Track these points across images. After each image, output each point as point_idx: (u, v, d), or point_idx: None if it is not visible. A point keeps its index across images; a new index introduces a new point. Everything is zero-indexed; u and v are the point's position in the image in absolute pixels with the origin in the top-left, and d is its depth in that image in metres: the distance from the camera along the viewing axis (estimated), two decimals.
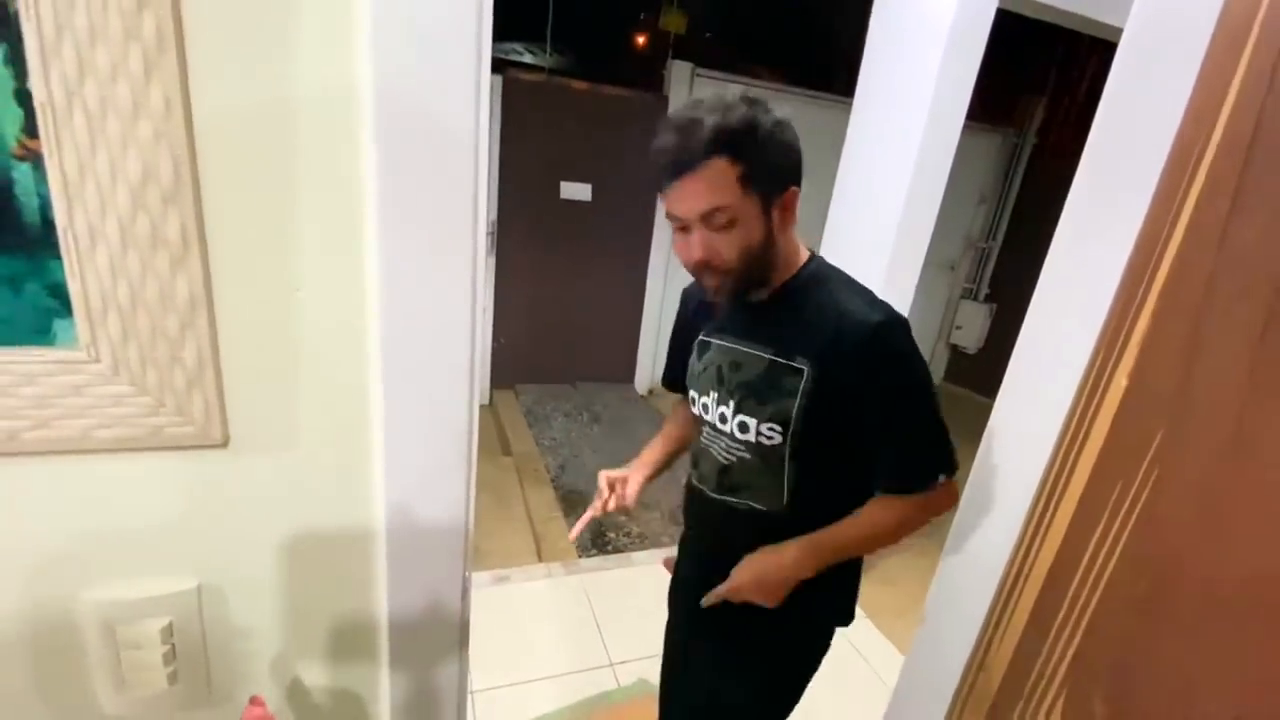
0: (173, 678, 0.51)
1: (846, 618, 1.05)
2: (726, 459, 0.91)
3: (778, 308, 0.85)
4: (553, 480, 2.80)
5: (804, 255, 0.87)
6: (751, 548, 0.92)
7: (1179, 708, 0.55)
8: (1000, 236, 4.63)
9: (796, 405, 0.82)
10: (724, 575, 0.96)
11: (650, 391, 4.01)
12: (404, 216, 0.44)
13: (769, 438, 0.85)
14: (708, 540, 1.05)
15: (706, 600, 0.91)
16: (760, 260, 0.79)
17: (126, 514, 0.46)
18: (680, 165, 0.72)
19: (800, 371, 0.81)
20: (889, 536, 0.88)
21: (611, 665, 1.87)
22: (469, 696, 1.69)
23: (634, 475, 1.04)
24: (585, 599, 2.13)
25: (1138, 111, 0.69)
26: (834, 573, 0.92)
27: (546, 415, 3.40)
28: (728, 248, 0.76)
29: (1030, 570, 0.78)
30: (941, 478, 0.84)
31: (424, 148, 0.43)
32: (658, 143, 0.74)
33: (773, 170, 0.75)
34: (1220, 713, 0.52)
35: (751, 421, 0.86)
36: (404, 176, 0.43)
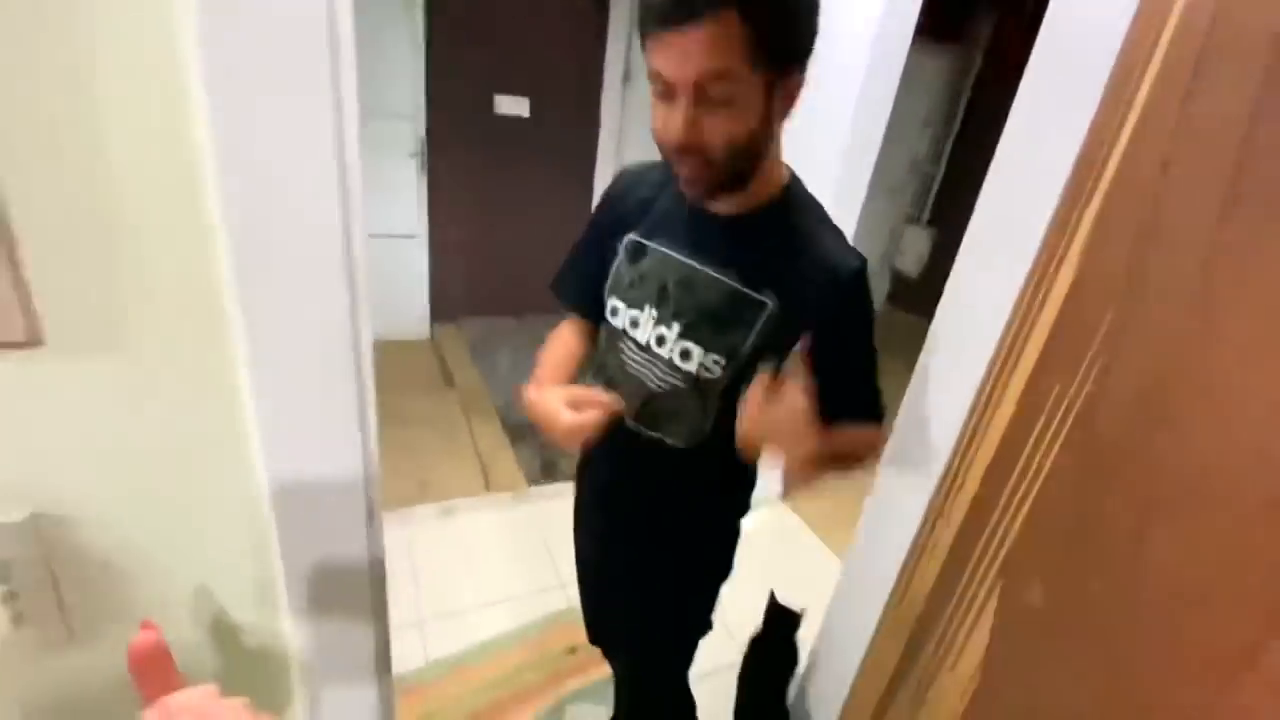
0: (17, 620, 0.44)
1: (745, 509, 1.03)
2: (657, 386, 0.81)
3: (748, 229, 0.74)
4: (499, 412, 2.74)
5: (785, 173, 0.76)
6: (656, 487, 0.90)
7: (1124, 596, 0.55)
8: (944, 160, 4.64)
9: (749, 340, 0.74)
10: (627, 512, 0.96)
11: None
12: (235, 45, 0.35)
13: (709, 370, 0.77)
14: (606, 475, 0.98)
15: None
16: (747, 155, 0.66)
17: None
18: (681, 7, 0.56)
19: (763, 305, 0.73)
20: (858, 459, 0.87)
21: (563, 585, 1.88)
22: (419, 628, 1.68)
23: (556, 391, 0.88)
24: (535, 526, 2.12)
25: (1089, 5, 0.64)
26: (742, 470, 0.93)
27: (493, 349, 3.30)
28: (720, 131, 0.62)
29: (967, 473, 0.78)
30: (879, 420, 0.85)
31: None
32: None
33: (790, 46, 0.62)
34: (1166, 601, 0.52)
35: (697, 351, 0.76)
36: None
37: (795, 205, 0.76)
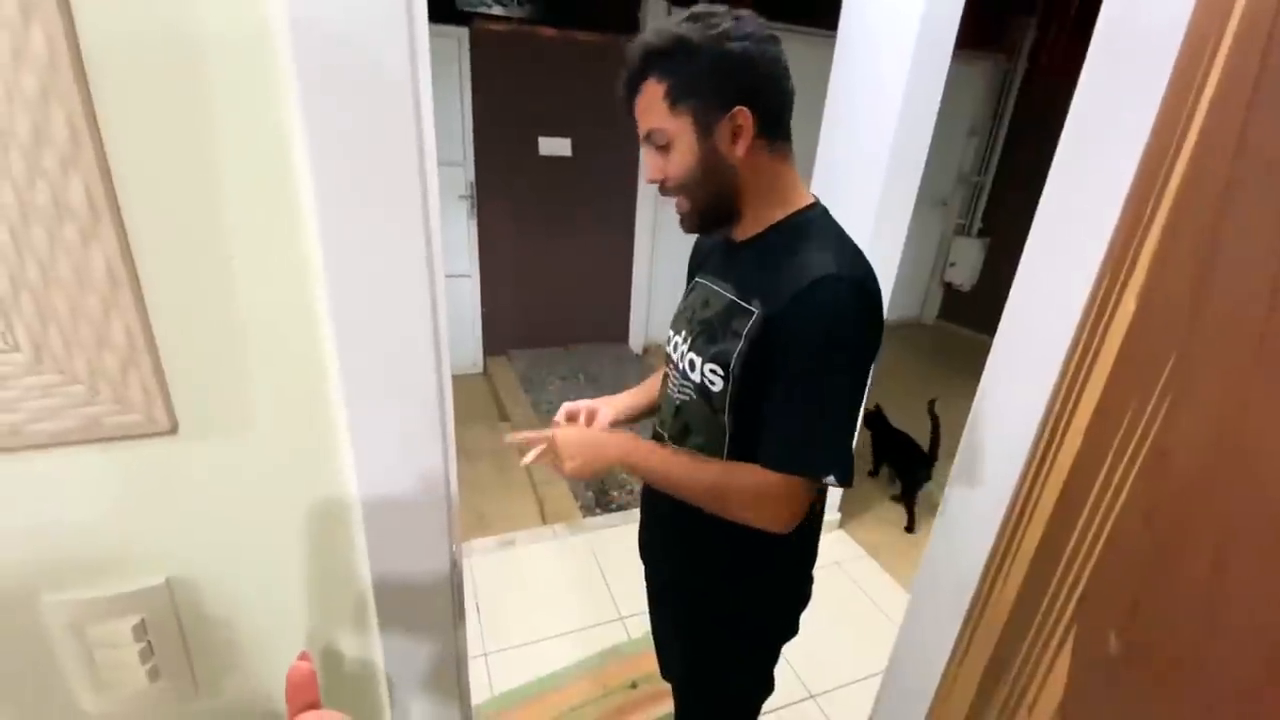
0: (153, 674, 0.49)
1: (789, 630, 0.99)
2: (678, 398, 0.89)
3: (753, 249, 0.81)
4: None
5: (803, 200, 0.80)
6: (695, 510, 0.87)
7: (1198, 645, 0.53)
8: (992, 169, 4.53)
9: (738, 349, 0.76)
10: (669, 532, 0.96)
11: (645, 350, 3.97)
12: (338, 168, 0.39)
13: (712, 381, 0.81)
14: (651, 491, 0.99)
15: (511, 438, 0.86)
16: (712, 184, 0.76)
17: (78, 512, 0.43)
18: (626, 90, 0.76)
19: (750, 314, 0.76)
20: (715, 498, 0.79)
21: (621, 619, 1.89)
22: (484, 660, 1.72)
23: (603, 410, 1.03)
24: (592, 557, 2.15)
25: (1142, 12, 0.63)
26: (779, 579, 0.92)
27: (542, 380, 3.38)
28: (671, 168, 0.77)
29: (1035, 505, 0.77)
30: (796, 474, 0.73)
31: (352, 86, 0.38)
32: None
33: (708, 87, 0.71)
34: (1240, 650, 0.50)
35: (697, 360, 0.82)
36: (333, 121, 0.38)
37: (799, 227, 0.79)
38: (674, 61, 0.71)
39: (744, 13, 0.73)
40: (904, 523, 2.40)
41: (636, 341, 3.95)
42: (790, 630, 0.99)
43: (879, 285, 0.74)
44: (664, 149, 0.76)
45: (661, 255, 3.78)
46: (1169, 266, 0.60)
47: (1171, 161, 0.59)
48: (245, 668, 0.53)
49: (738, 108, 0.71)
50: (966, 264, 4.60)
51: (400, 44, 0.39)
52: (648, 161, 0.79)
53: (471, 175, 3.14)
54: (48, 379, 0.39)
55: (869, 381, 0.80)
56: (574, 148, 3.33)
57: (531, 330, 3.68)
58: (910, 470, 2.40)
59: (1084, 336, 0.71)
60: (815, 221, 0.79)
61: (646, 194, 3.56)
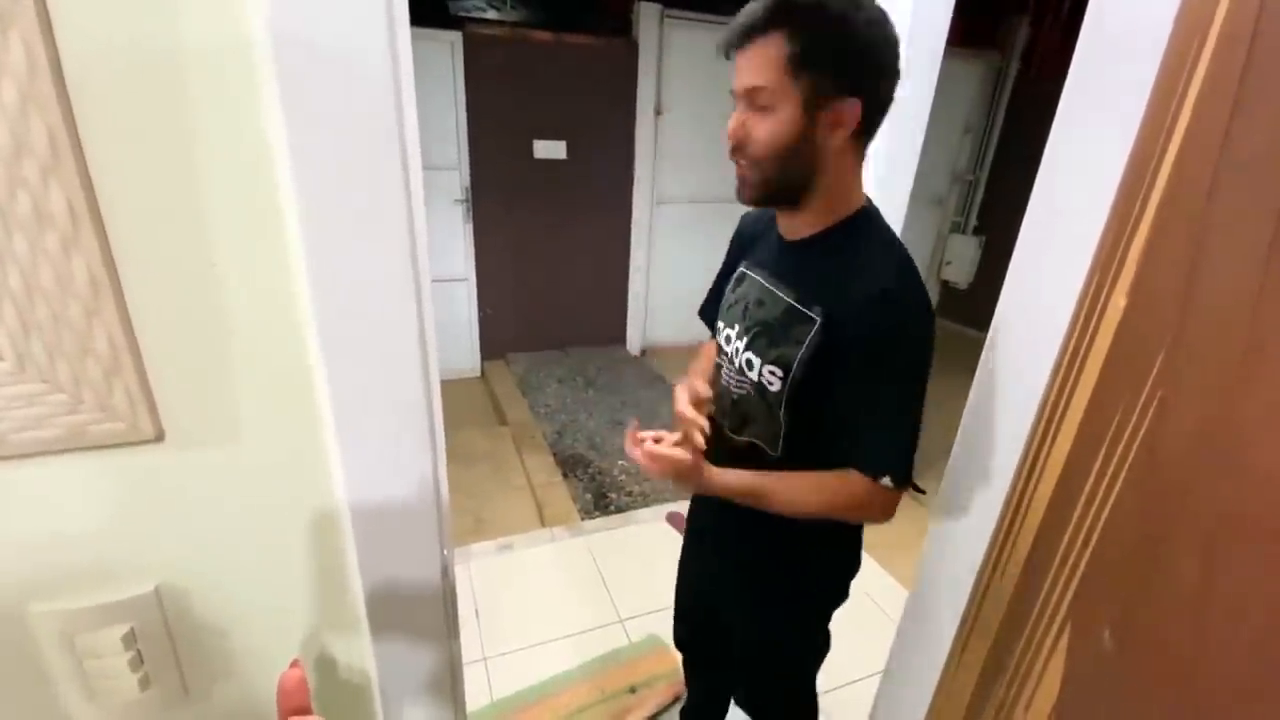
0: (144, 683, 0.49)
1: (840, 595, 1.09)
2: (736, 393, 0.90)
3: (812, 251, 0.80)
4: (550, 446, 2.80)
5: (859, 201, 0.79)
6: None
7: (1192, 641, 0.53)
8: (987, 167, 4.54)
9: (799, 355, 0.78)
10: (744, 519, 0.94)
11: (643, 352, 3.98)
12: (321, 174, 0.39)
13: (770, 382, 0.82)
14: None
15: (636, 449, 0.82)
16: (791, 165, 0.72)
17: (64, 522, 0.43)
18: (740, 35, 0.70)
19: (813, 321, 0.77)
20: (829, 507, 0.83)
21: (621, 622, 1.89)
22: (483, 664, 1.72)
23: (701, 386, 0.92)
24: (591, 560, 2.15)
25: (1127, 10, 0.64)
26: (841, 553, 1.02)
27: (540, 383, 3.38)
28: (759, 132, 0.71)
29: (1030, 504, 0.77)
30: (886, 480, 0.77)
31: (334, 94, 0.38)
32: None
33: (833, 64, 0.68)
34: (1234, 646, 0.50)
35: (756, 361, 0.83)
36: (315, 129, 0.38)
37: (860, 229, 0.78)
38: (813, 26, 0.66)
39: None
40: (898, 516, 2.41)
41: (634, 343, 3.95)
42: (844, 595, 1.08)
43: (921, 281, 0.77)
44: (761, 110, 0.71)
45: (658, 257, 3.78)
46: (1158, 263, 0.60)
47: (1159, 158, 0.59)
48: (236, 676, 0.53)
49: (853, 98, 0.69)
50: (962, 262, 4.61)
51: (381, 51, 0.39)
52: (735, 117, 0.74)
53: (467, 179, 3.14)
54: (31, 388, 0.38)
55: None
56: (569, 150, 3.33)
57: (529, 333, 3.68)
58: None
59: (1075, 334, 0.71)
60: (873, 222, 0.79)
61: (642, 195, 3.57)
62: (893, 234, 0.79)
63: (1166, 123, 0.59)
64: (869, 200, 0.81)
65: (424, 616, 0.58)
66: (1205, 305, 0.54)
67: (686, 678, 1.41)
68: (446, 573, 0.57)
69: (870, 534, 2.66)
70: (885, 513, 0.83)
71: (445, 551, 0.56)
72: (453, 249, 3.24)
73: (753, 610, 1.06)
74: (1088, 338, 0.69)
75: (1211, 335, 0.53)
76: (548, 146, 3.29)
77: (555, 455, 2.73)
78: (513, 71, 3.08)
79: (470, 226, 3.23)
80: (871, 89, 0.70)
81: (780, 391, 0.81)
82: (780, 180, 0.75)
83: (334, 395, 0.45)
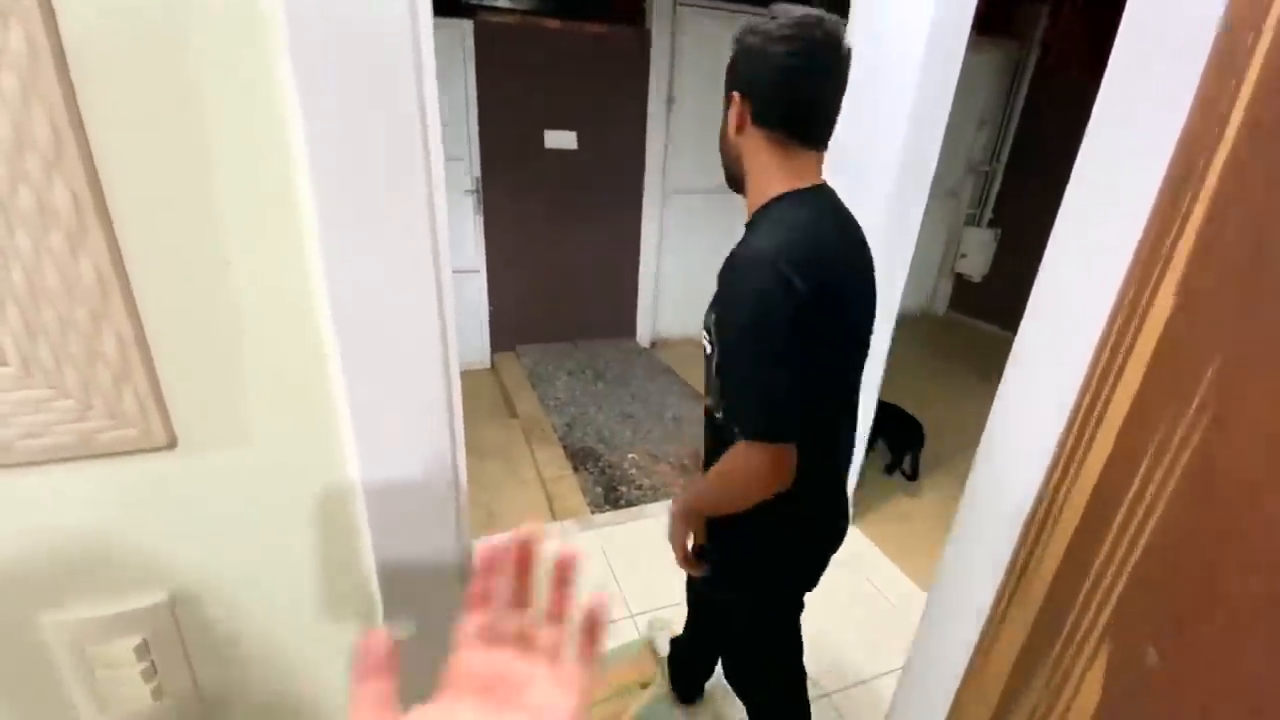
0: (157, 693, 0.47)
1: (790, 577, 1.06)
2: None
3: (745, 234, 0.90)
4: (560, 439, 2.78)
5: (774, 191, 0.84)
6: (711, 454, 0.95)
7: (1247, 661, 0.51)
8: (1003, 159, 4.46)
9: (709, 315, 0.85)
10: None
11: (653, 344, 3.95)
12: (340, 163, 0.37)
13: (705, 347, 0.88)
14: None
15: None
16: (725, 154, 0.90)
17: (76, 529, 0.42)
18: None
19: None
20: (730, 484, 0.86)
21: (632, 616, 1.88)
22: None
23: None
24: (601, 554, 2.13)
25: None
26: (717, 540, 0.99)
27: (549, 375, 3.36)
28: None
29: (1061, 511, 0.74)
30: (756, 440, 0.79)
31: (352, 76, 0.36)
32: None
33: (731, 68, 0.83)
34: None
35: (702, 323, 0.90)
36: (333, 115, 0.36)
37: (767, 214, 0.84)
38: (736, 38, 0.82)
39: (799, 11, 0.78)
40: (912, 515, 2.38)
41: (644, 336, 3.93)
42: (802, 579, 1.05)
43: (804, 254, 0.77)
44: None
45: (669, 249, 3.74)
46: (1212, 258, 0.57)
47: (1213, 145, 0.56)
48: (252, 684, 0.52)
49: (734, 93, 0.83)
50: (977, 255, 4.54)
51: (402, 24, 0.36)
52: None
53: (477, 170, 3.11)
54: (37, 393, 0.37)
55: (826, 343, 0.83)
56: (580, 140, 3.29)
57: (539, 325, 3.66)
58: (897, 432, 2.60)
59: (1114, 335, 0.68)
60: (779, 206, 0.83)
61: (653, 186, 3.53)
62: (792, 218, 0.82)
63: (1221, 108, 0.55)
64: (810, 187, 0.85)
65: (443, 616, 0.56)
66: (1266, 308, 0.51)
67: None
68: (465, 573, 0.56)
69: (882, 531, 2.61)
70: (776, 473, 0.81)
71: (465, 549, 0.54)
72: (462, 240, 3.21)
73: (707, 585, 1.09)
74: (1128, 340, 0.66)
75: (1274, 340, 0.50)
76: (558, 137, 3.25)
77: (565, 448, 2.71)
78: (523, 60, 3.04)
79: (480, 217, 3.21)
80: (745, 84, 0.81)
81: (711, 355, 0.87)
82: (726, 166, 0.91)
83: (352, 397, 0.44)
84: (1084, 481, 0.70)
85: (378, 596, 0.51)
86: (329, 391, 0.44)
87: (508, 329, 3.55)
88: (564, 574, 0.31)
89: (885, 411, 2.53)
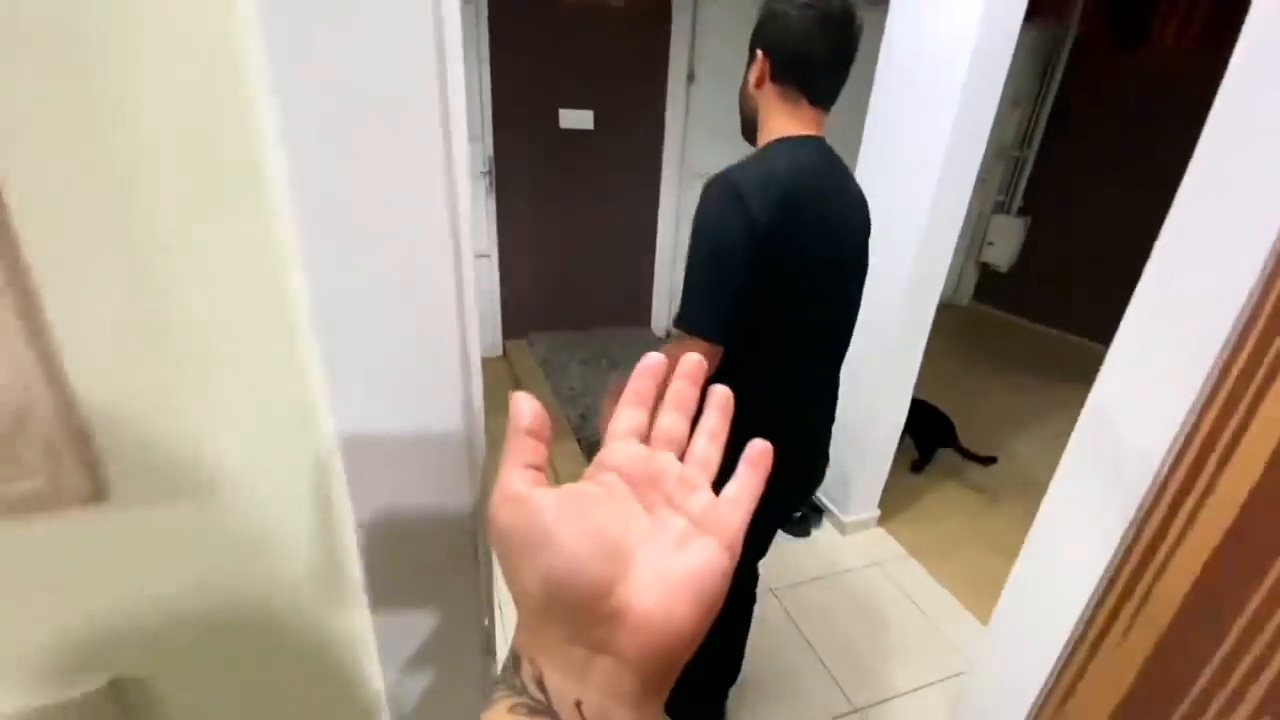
0: None
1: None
2: None
3: None
4: (575, 432, 2.69)
5: (776, 134, 0.96)
6: None
7: None
8: (1036, 143, 4.27)
9: None
10: None
11: (668, 334, 3.83)
12: (320, 109, 0.26)
13: None
14: None
15: None
16: (744, 107, 1.03)
17: None
18: None
19: None
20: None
21: None
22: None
23: None
24: None
25: None
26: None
27: (563, 364, 3.26)
28: None
29: (1179, 544, 0.63)
30: (681, 329, 0.91)
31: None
32: None
33: (754, 29, 0.96)
34: None
35: None
36: (308, 51, 0.25)
37: (762, 152, 0.97)
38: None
39: None
40: (943, 520, 2.28)
41: (658, 324, 3.81)
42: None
43: (774, 186, 0.87)
44: None
45: (686, 233, 3.61)
46: None
47: None
48: None
49: (758, 51, 0.95)
50: (1004, 244, 4.37)
51: None
52: None
53: (490, 151, 2.99)
54: None
55: (769, 261, 0.90)
56: (596, 120, 3.15)
57: (551, 312, 3.55)
58: (925, 428, 2.52)
59: (1252, 338, 0.56)
60: (775, 146, 0.95)
61: (672, 168, 3.39)
62: (777, 153, 0.93)
63: None
64: (805, 136, 0.96)
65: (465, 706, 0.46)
66: None
67: None
68: (489, 672, 0.46)
69: (913, 534, 2.50)
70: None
71: (486, 622, 0.44)
72: (475, 223, 3.10)
73: None
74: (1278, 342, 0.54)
75: None
76: (574, 116, 3.11)
77: (580, 442, 2.62)
78: (538, 37, 2.90)
79: (493, 200, 3.09)
80: (768, 45, 0.94)
81: None
82: (742, 117, 1.04)
83: (340, 429, 0.33)
84: (1215, 514, 0.59)
85: (381, 701, 0.41)
86: (314, 426, 0.34)
87: (520, 315, 3.45)
88: (726, 406, 0.31)
89: (913, 408, 2.42)
